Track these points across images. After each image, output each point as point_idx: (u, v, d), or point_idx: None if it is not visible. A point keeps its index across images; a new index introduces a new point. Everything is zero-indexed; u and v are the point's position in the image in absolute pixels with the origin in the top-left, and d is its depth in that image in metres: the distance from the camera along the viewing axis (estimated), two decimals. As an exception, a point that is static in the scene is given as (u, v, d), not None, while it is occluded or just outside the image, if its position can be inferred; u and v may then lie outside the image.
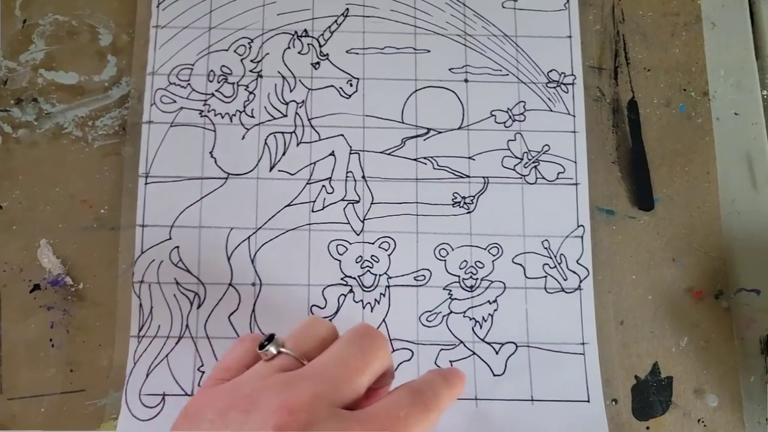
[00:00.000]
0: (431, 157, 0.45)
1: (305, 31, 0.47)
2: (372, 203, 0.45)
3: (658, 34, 0.49)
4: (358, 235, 0.44)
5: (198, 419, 0.29)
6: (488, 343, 0.43)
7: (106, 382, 0.43)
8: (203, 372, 0.42)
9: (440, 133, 0.46)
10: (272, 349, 0.31)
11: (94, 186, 0.45)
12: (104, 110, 0.46)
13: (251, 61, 0.46)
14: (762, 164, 0.48)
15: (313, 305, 0.43)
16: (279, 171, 0.45)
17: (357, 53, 0.47)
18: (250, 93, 0.46)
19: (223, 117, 0.46)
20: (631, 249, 0.46)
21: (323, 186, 0.45)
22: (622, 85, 0.48)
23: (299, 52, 0.47)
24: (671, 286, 0.45)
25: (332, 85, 0.46)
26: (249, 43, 0.47)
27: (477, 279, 0.44)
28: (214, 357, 0.42)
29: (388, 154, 0.45)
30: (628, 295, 0.45)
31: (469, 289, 0.44)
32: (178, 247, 0.44)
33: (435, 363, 0.43)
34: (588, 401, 0.43)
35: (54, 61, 0.47)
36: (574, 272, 0.44)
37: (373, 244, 0.44)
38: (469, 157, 0.46)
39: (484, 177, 0.45)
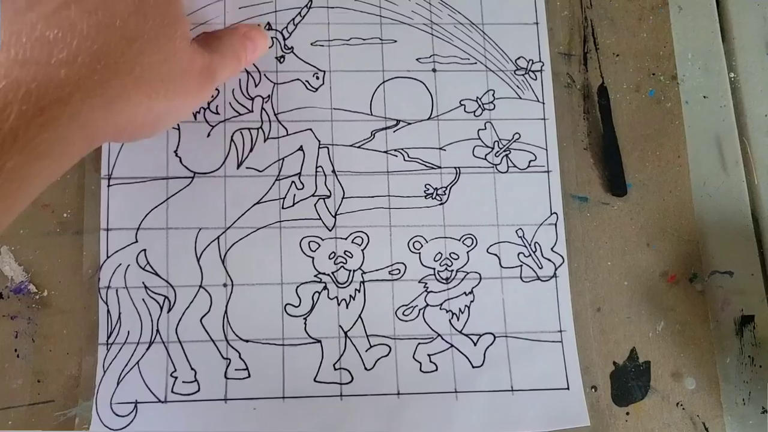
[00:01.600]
0: (401, 149, 0.46)
1: (268, 24, 0.47)
2: (343, 198, 0.45)
3: (625, 19, 0.51)
4: (330, 230, 0.45)
5: None
6: (466, 335, 0.44)
7: (76, 392, 0.43)
8: (176, 377, 0.43)
9: (410, 124, 0.46)
10: None
11: (55, 190, 0.45)
12: (63, 111, 0.46)
13: (214, 56, 0.46)
14: (731, 146, 0.49)
15: (287, 303, 0.44)
16: (247, 168, 0.45)
17: (322, 45, 0.47)
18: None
19: (186, 114, 0.46)
20: (605, 235, 0.47)
21: (293, 182, 0.45)
22: (591, 71, 0.49)
23: (263, 46, 0.47)
24: (646, 271, 0.47)
25: (298, 79, 0.47)
26: (211, 38, 0.47)
27: (452, 271, 0.45)
28: (186, 362, 0.43)
29: (358, 147, 0.46)
30: (603, 281, 0.46)
31: (444, 281, 0.45)
32: (145, 250, 0.44)
33: (413, 357, 0.44)
34: (567, 389, 0.44)
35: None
36: (549, 260, 0.45)
37: (345, 239, 0.45)
38: (440, 148, 0.46)
39: (455, 167, 0.46)
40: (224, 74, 0.40)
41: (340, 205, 0.45)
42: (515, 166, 0.46)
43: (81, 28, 0.29)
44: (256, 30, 0.42)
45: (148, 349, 0.43)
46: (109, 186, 0.44)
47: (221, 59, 0.39)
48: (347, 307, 0.44)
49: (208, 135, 0.45)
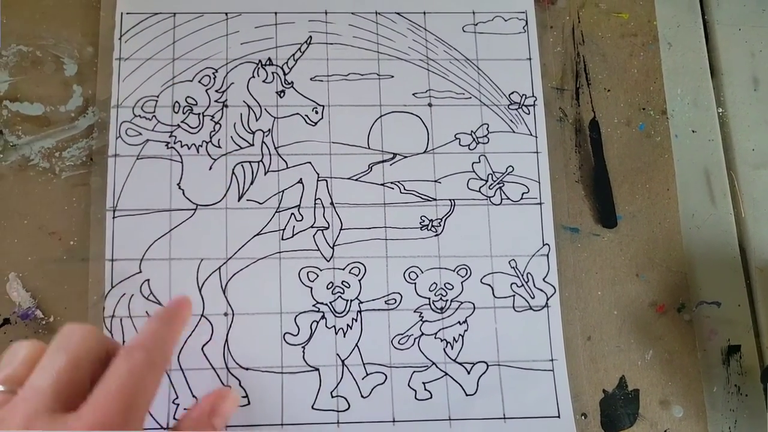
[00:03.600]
0: (398, 182, 0.48)
1: (269, 59, 0.50)
2: (341, 229, 0.47)
3: (617, 55, 0.53)
4: (328, 261, 0.47)
5: None
6: (460, 364, 0.46)
7: (80, 417, 0.44)
8: (178, 404, 0.45)
9: (406, 157, 0.49)
10: None
11: (62, 217, 0.47)
12: (71, 141, 0.48)
13: (216, 91, 0.49)
14: (719, 179, 0.51)
15: (285, 332, 0.46)
16: (247, 200, 0.47)
17: (321, 80, 0.50)
18: (216, 123, 0.48)
19: (189, 148, 0.48)
20: (596, 266, 0.49)
21: (292, 214, 0.47)
22: (583, 105, 0.52)
23: (264, 81, 0.49)
24: (635, 301, 0.49)
25: (298, 113, 0.49)
26: (213, 73, 0.49)
27: (447, 300, 0.47)
28: (188, 389, 0.45)
29: (356, 179, 0.48)
30: (594, 311, 0.48)
31: (439, 311, 0.47)
32: (148, 280, 0.46)
33: (408, 385, 0.46)
34: (558, 416, 0.46)
35: (18, 92, 0.49)
36: (541, 290, 0.48)
37: (343, 269, 0.47)
38: (435, 181, 0.49)
39: (450, 199, 0.48)
40: None
41: (338, 236, 0.47)
42: (508, 198, 0.49)
43: None
44: (223, 400, 0.37)
45: (150, 375, 0.45)
46: (114, 218, 0.47)
47: None
48: (344, 336, 0.46)
49: (210, 168, 0.48)
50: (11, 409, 0.30)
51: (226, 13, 0.50)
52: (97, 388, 0.31)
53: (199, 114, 0.49)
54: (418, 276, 0.47)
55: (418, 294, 0.47)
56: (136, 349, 0.33)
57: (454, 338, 0.47)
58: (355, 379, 0.46)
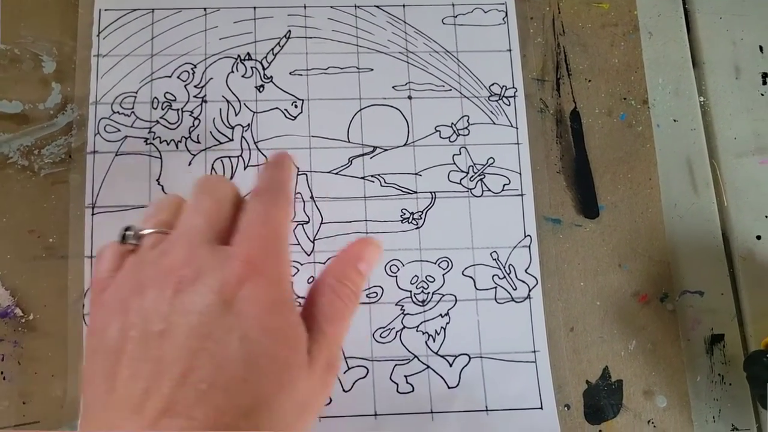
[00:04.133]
0: (378, 175, 0.48)
1: (248, 54, 0.49)
2: (321, 223, 0.47)
3: (597, 44, 0.52)
4: (308, 255, 0.46)
5: (112, 323, 0.29)
6: (442, 356, 0.46)
7: (61, 413, 0.44)
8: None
9: (386, 150, 0.48)
10: (132, 237, 0.33)
11: (41, 215, 0.46)
12: (50, 138, 0.48)
13: (195, 86, 0.48)
14: (702, 168, 0.51)
15: (266, 327, 0.45)
16: (227, 195, 0.47)
17: (301, 74, 0.49)
18: (195, 119, 0.48)
19: (168, 144, 0.47)
20: (578, 257, 0.48)
21: (272, 208, 0.47)
22: (564, 96, 0.51)
23: (243, 76, 0.49)
24: (618, 291, 0.48)
25: (277, 108, 0.48)
26: (192, 69, 0.48)
27: (428, 293, 0.46)
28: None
29: (336, 173, 0.47)
30: (576, 301, 0.48)
31: (420, 304, 0.46)
32: (128, 275, 0.45)
33: (390, 379, 0.45)
34: (541, 408, 0.45)
35: (-4, 90, 0.48)
36: (524, 282, 0.47)
37: (324, 264, 0.46)
38: (416, 173, 0.48)
39: (431, 192, 0.48)
40: (342, 340, 0.34)
41: (318, 230, 0.47)
42: (490, 190, 0.48)
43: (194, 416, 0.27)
44: (368, 247, 0.35)
45: (131, 372, 0.44)
46: (93, 214, 0.46)
47: (336, 336, 0.33)
48: (326, 330, 0.45)
49: (190, 164, 0.47)
50: (173, 242, 0.31)
51: (205, 9, 0.50)
52: (243, 224, 0.32)
53: (178, 110, 0.48)
54: (399, 269, 0.47)
55: (399, 287, 0.46)
56: (262, 192, 0.33)
57: (435, 331, 0.46)
58: (336, 373, 0.45)
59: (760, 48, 0.53)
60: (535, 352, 0.46)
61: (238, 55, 0.49)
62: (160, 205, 0.35)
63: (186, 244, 0.30)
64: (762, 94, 0.53)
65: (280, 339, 0.29)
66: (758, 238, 0.50)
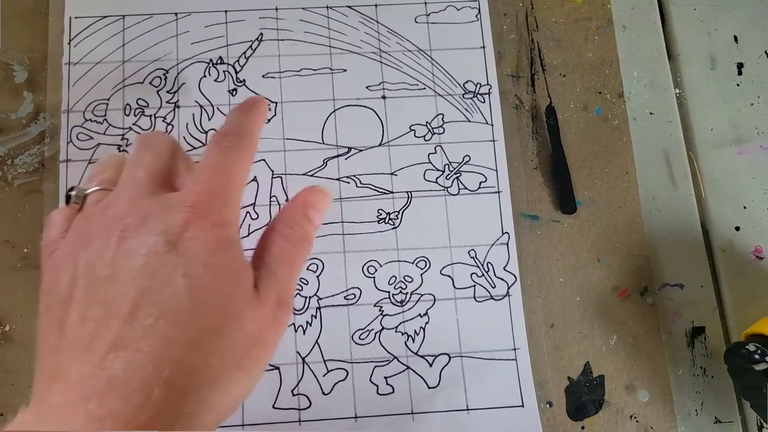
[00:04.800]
0: (354, 176, 0.47)
1: (220, 58, 0.48)
2: (297, 226, 0.45)
3: (571, 39, 0.51)
4: (285, 258, 0.45)
5: (62, 277, 0.30)
6: (422, 357, 0.44)
7: (38, 427, 0.43)
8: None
9: (361, 151, 0.47)
10: (76, 198, 0.33)
11: (16, 225, 0.45)
12: (23, 148, 0.46)
13: (167, 92, 0.47)
14: (679, 161, 0.50)
15: (245, 332, 0.44)
16: (202, 200, 0.45)
17: (274, 77, 0.48)
18: (168, 124, 0.47)
19: (142, 150, 0.46)
20: (556, 252, 0.47)
21: (248, 212, 0.46)
22: (539, 92, 0.50)
23: (215, 80, 0.48)
24: (598, 286, 0.47)
25: (251, 111, 0.47)
26: (164, 74, 0.47)
27: (407, 293, 0.45)
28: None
29: (311, 175, 0.46)
30: (556, 298, 0.47)
31: (399, 304, 0.45)
32: (104, 284, 0.44)
33: (370, 380, 0.44)
34: (522, 406, 0.44)
35: (-33, 101, 0.47)
36: (502, 279, 0.46)
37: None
38: (392, 173, 0.47)
39: (407, 192, 0.47)
40: (294, 281, 0.34)
41: (294, 233, 0.45)
42: (466, 188, 0.47)
43: (141, 355, 0.27)
44: (316, 194, 0.35)
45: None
46: (67, 222, 0.45)
47: (286, 277, 0.33)
48: (304, 333, 0.44)
49: (164, 169, 0.46)
50: (115, 196, 0.31)
51: (176, 14, 0.48)
52: (196, 167, 0.32)
53: (150, 116, 0.47)
54: (376, 270, 0.45)
55: (377, 288, 0.45)
56: (225, 135, 0.33)
57: (415, 331, 0.45)
58: (316, 377, 0.44)
59: (735, 38, 0.52)
60: (515, 349, 0.45)
61: (210, 60, 0.48)
62: (102, 165, 0.35)
63: (128, 195, 0.31)
64: (738, 85, 0.52)
65: (223, 274, 0.29)
66: (737, 229, 0.49)
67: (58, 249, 0.32)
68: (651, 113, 0.51)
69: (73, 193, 0.33)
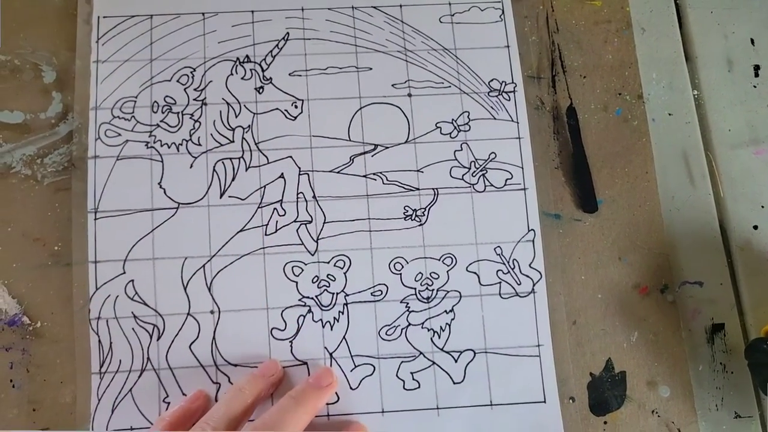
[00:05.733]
0: (380, 173, 0.46)
1: (247, 56, 0.47)
2: (324, 222, 0.45)
3: (591, 41, 0.51)
4: (312, 255, 0.44)
5: None
6: (447, 352, 0.44)
7: (70, 419, 0.42)
8: (168, 403, 0.42)
9: (387, 148, 0.46)
10: None
11: (46, 223, 0.44)
12: (52, 147, 0.45)
13: (195, 89, 0.46)
14: (697, 161, 0.49)
15: (273, 327, 0.43)
16: (229, 197, 0.45)
17: (300, 75, 0.47)
18: (196, 121, 0.46)
19: (169, 147, 0.45)
20: (578, 251, 0.47)
21: (275, 209, 0.45)
22: (560, 93, 0.49)
23: (242, 78, 0.47)
24: (619, 283, 0.46)
25: (277, 108, 0.46)
26: (191, 72, 0.46)
27: (433, 290, 0.44)
28: (178, 387, 0.42)
29: (338, 172, 0.46)
30: (578, 295, 0.46)
31: (425, 301, 0.44)
32: (132, 280, 0.43)
33: (396, 376, 0.43)
34: (544, 402, 0.43)
35: (-2, 100, 0.46)
36: (528, 276, 0.45)
37: (328, 263, 0.44)
38: (418, 170, 0.46)
39: (433, 189, 0.46)
40: None
41: (321, 229, 0.45)
42: (492, 185, 0.46)
43: None
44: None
45: (140, 376, 0.42)
46: (95, 219, 0.44)
47: None
48: (332, 329, 0.44)
49: (191, 166, 0.45)
50: None
51: (203, 13, 0.48)
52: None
53: (178, 113, 0.46)
54: (403, 266, 0.45)
55: (403, 284, 0.44)
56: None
57: (441, 327, 0.44)
58: (343, 372, 0.43)
59: (752, 41, 0.52)
60: (539, 346, 0.44)
61: (237, 58, 0.47)
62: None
63: None
64: (754, 86, 0.51)
65: None
66: (755, 228, 0.48)
67: None
68: (670, 114, 0.50)
69: None
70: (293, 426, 0.37)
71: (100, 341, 0.42)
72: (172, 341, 0.43)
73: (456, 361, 0.44)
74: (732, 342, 0.46)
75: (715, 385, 0.45)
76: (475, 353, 0.44)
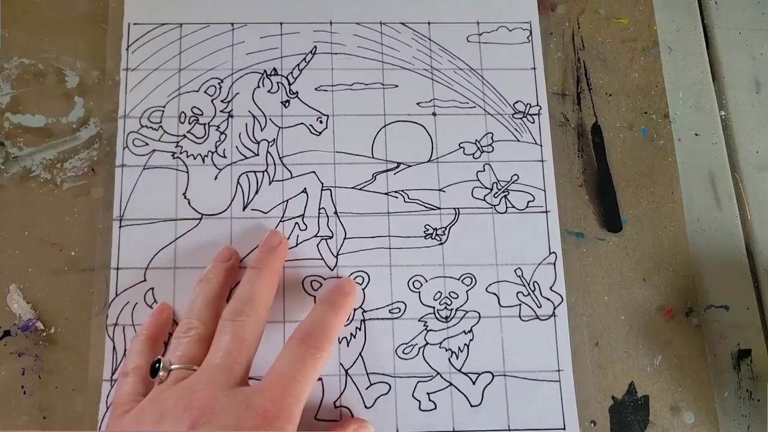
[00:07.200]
0: (402, 191, 0.40)
1: (274, 69, 0.42)
2: (345, 238, 0.39)
3: (617, 59, 0.44)
4: (332, 270, 0.39)
5: None
6: (465, 374, 0.38)
7: (81, 428, 0.37)
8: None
9: (410, 166, 0.41)
10: (162, 373, 0.32)
11: (64, 228, 0.39)
12: (73, 152, 0.41)
13: (222, 101, 0.41)
14: (724, 182, 0.43)
15: (290, 342, 0.38)
16: (252, 210, 0.40)
17: (326, 90, 0.42)
18: (222, 133, 0.41)
19: (195, 158, 0.40)
20: (602, 270, 0.41)
21: (296, 223, 0.39)
22: (585, 110, 0.43)
23: (269, 91, 0.41)
24: (643, 305, 0.40)
25: (302, 123, 0.41)
26: (219, 84, 0.41)
27: (452, 309, 0.39)
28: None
29: (360, 189, 0.40)
30: (601, 316, 0.40)
31: (444, 320, 0.39)
32: (152, 288, 0.38)
33: (412, 396, 0.37)
34: (564, 429, 0.37)
35: (20, 104, 0.41)
36: (548, 299, 0.39)
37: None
38: (440, 189, 0.40)
39: (454, 208, 0.40)
40: None
41: (341, 245, 0.39)
42: (514, 206, 0.40)
43: None
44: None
45: (156, 384, 0.37)
46: (120, 227, 0.39)
47: None
48: (348, 345, 0.38)
49: (216, 178, 0.40)
50: (195, 382, 0.31)
51: (232, 24, 0.42)
52: (272, 368, 0.32)
53: (204, 124, 0.41)
54: (422, 285, 0.39)
55: (422, 303, 0.39)
56: (309, 336, 0.33)
57: (459, 348, 0.38)
58: (358, 389, 0.37)
59: (781, 62, 0.45)
60: (559, 371, 0.38)
61: (264, 71, 0.42)
62: (188, 337, 0.34)
63: (207, 384, 0.30)
64: (783, 109, 0.44)
65: None
66: (783, 252, 0.42)
67: (129, 414, 0.31)
68: (696, 134, 0.44)
69: (159, 365, 0.32)
70: (265, 289, 0.35)
71: (114, 348, 0.37)
72: (191, 353, 0.38)
73: (474, 383, 0.38)
74: (759, 369, 0.40)
75: (741, 412, 0.39)
76: (493, 376, 0.38)
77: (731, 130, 0.44)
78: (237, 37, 0.42)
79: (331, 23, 0.43)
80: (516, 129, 0.41)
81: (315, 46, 0.42)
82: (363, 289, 0.39)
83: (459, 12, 0.43)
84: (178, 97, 0.41)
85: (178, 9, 0.42)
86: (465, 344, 0.38)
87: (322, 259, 0.39)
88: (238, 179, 0.40)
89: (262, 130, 0.41)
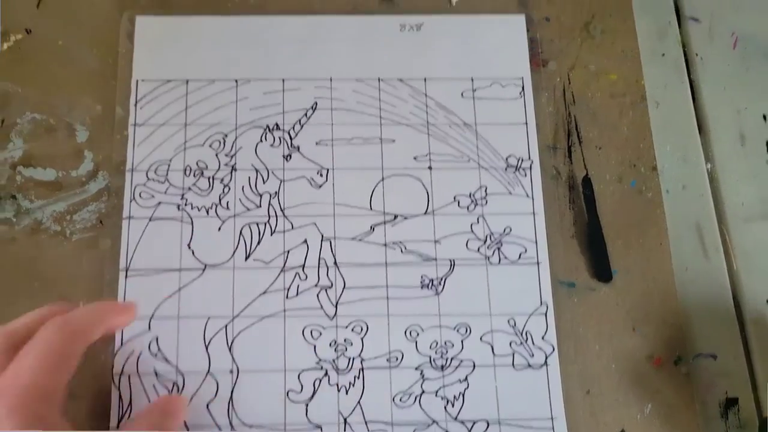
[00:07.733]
0: (399, 242, 0.40)
1: (276, 124, 0.42)
2: (344, 288, 0.39)
3: (606, 114, 0.45)
4: (331, 319, 0.39)
5: None
6: (461, 422, 0.38)
7: (85, 478, 0.37)
8: (183, 462, 0.37)
9: (407, 218, 0.41)
10: None
11: (72, 279, 0.40)
12: (82, 204, 0.41)
13: (225, 155, 0.41)
14: (711, 233, 0.43)
15: (289, 390, 0.38)
16: (254, 260, 0.40)
17: (326, 144, 0.42)
18: (225, 186, 0.41)
19: (199, 210, 0.40)
20: (593, 320, 0.41)
21: (297, 273, 0.40)
22: (576, 163, 0.44)
23: (271, 145, 0.42)
24: (633, 354, 0.40)
25: (303, 176, 0.41)
26: (223, 138, 0.42)
27: (447, 358, 0.39)
28: (193, 448, 0.37)
29: (359, 240, 0.40)
30: (592, 364, 0.40)
31: (440, 369, 0.39)
32: (157, 337, 0.38)
33: (409, 444, 0.37)
34: (558, 477, 0.37)
35: (32, 158, 0.42)
36: (540, 348, 0.39)
37: (346, 327, 0.39)
38: (435, 241, 0.41)
39: (450, 259, 0.40)
40: None
41: (341, 295, 0.39)
42: (507, 258, 0.40)
43: None
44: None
45: (158, 432, 0.37)
46: (126, 278, 0.39)
47: None
48: (347, 394, 0.38)
49: (219, 229, 0.40)
50: None
51: (236, 80, 0.43)
52: (27, 346, 0.30)
53: (209, 177, 0.41)
54: (419, 334, 0.39)
55: (419, 352, 0.39)
56: (68, 323, 0.32)
57: (454, 396, 0.38)
58: (356, 438, 0.37)
59: (764, 117, 0.46)
60: (552, 419, 0.38)
61: (267, 125, 0.42)
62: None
63: None
64: (767, 162, 0.45)
65: None
66: (768, 302, 0.42)
67: None
68: (683, 186, 0.44)
69: None
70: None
71: (120, 396, 0.37)
72: (190, 400, 0.38)
73: (470, 431, 0.38)
74: (745, 417, 0.40)
75: (729, 462, 0.39)
76: (488, 424, 0.38)
77: (717, 182, 0.45)
78: (241, 93, 0.43)
79: (331, 80, 0.43)
80: (509, 183, 0.42)
81: (316, 102, 0.43)
82: (361, 339, 0.39)
83: (454, 68, 0.44)
84: (184, 151, 0.41)
85: (184, 65, 0.43)
86: (461, 392, 0.38)
87: (322, 308, 0.39)
88: (241, 230, 0.40)
89: (264, 182, 0.41)
